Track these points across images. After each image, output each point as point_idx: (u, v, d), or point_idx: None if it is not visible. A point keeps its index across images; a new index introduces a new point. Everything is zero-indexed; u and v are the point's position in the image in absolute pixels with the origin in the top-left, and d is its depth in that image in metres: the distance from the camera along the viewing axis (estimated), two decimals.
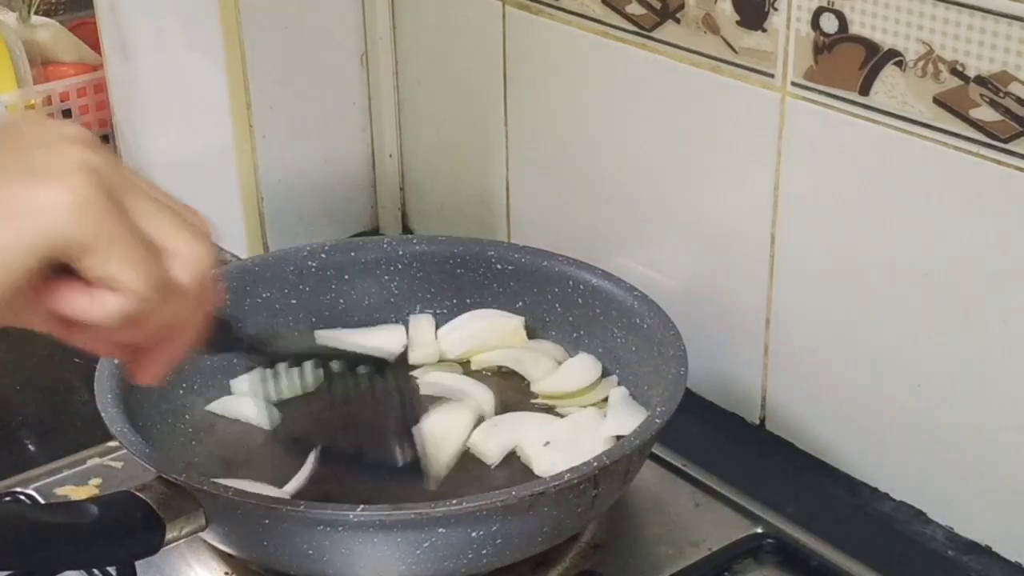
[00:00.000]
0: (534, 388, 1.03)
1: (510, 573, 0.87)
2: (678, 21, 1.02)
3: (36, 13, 1.51)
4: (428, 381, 1.03)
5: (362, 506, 0.86)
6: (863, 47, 0.90)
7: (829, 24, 0.92)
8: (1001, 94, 0.83)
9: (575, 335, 1.05)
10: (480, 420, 0.98)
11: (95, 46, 1.44)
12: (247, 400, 1.00)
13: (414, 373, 1.04)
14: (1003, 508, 0.92)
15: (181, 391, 1.00)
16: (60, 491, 0.98)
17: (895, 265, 0.94)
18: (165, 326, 0.64)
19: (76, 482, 0.98)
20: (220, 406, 1.01)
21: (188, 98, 1.12)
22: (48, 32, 1.50)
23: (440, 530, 0.81)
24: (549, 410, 1.01)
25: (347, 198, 1.37)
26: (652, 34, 1.04)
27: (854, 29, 0.90)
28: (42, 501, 0.96)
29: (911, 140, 0.89)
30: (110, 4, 1.37)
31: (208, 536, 0.84)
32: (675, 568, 0.90)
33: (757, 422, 1.08)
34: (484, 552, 0.83)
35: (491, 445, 0.95)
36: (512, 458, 0.96)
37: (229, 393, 1.02)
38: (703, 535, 0.93)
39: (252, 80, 1.25)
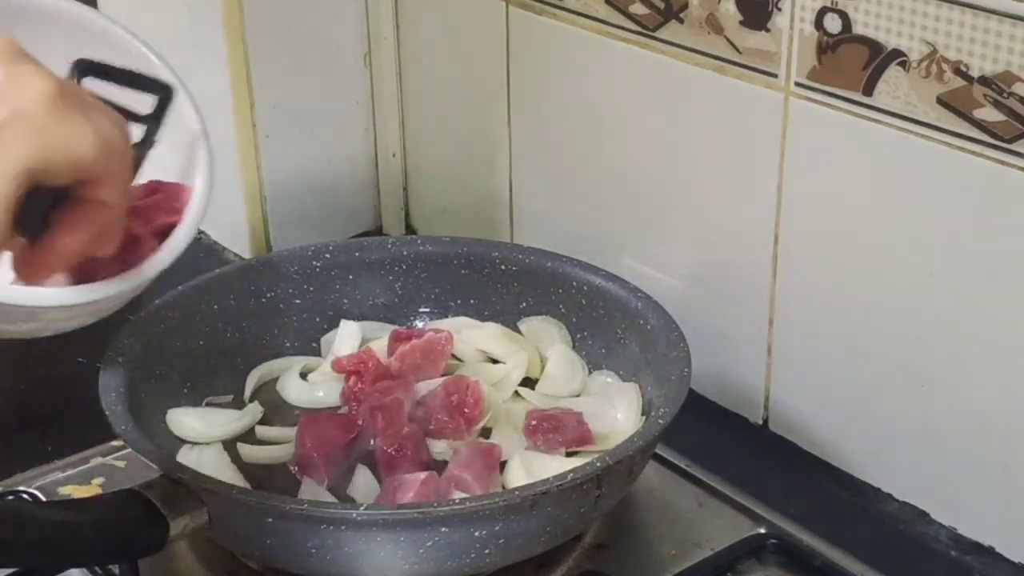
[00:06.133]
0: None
1: (513, 573, 0.87)
2: (681, 21, 1.02)
3: None
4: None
5: (365, 505, 0.87)
6: (867, 47, 0.90)
7: (833, 24, 0.92)
8: (1005, 94, 0.83)
9: (578, 336, 1.05)
10: None
11: None
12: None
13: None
14: (1006, 509, 0.92)
15: (186, 390, 1.00)
16: (63, 490, 0.98)
17: (898, 265, 0.94)
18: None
19: (79, 481, 0.98)
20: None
21: None
22: None
23: (443, 529, 0.81)
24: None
25: (350, 198, 1.37)
26: (655, 34, 1.04)
27: (858, 29, 0.90)
28: (45, 500, 0.96)
29: (914, 140, 0.89)
30: (114, 2, 1.37)
31: (211, 535, 0.84)
32: (678, 568, 0.90)
33: (760, 422, 1.08)
34: (487, 552, 0.83)
35: None
36: None
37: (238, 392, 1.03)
38: (706, 535, 0.93)
39: (255, 79, 1.25)
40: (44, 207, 0.58)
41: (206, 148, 0.86)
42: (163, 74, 0.82)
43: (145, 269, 0.78)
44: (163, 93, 0.77)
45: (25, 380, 1.14)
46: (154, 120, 0.76)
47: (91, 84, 0.71)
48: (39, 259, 0.59)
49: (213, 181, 0.86)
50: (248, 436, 0.99)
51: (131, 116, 0.73)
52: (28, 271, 0.60)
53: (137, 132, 0.73)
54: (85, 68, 0.71)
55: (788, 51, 0.95)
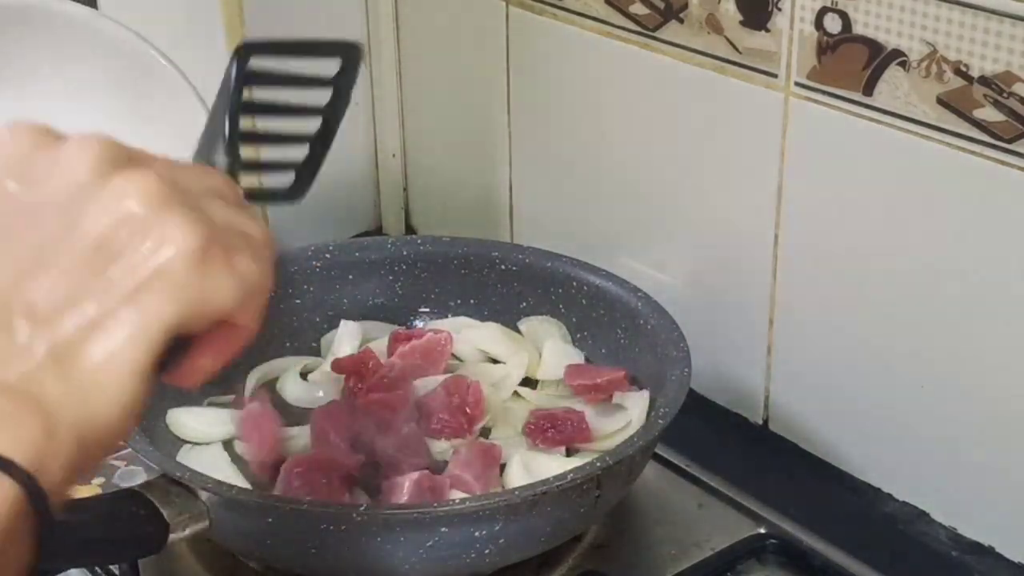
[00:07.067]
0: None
1: (513, 573, 0.87)
2: (681, 21, 1.02)
3: None
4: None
5: (365, 505, 0.86)
6: (867, 47, 0.90)
7: (833, 24, 0.92)
8: (1005, 94, 0.83)
9: (578, 336, 1.05)
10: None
11: None
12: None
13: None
14: (1006, 508, 0.92)
15: (185, 390, 1.00)
16: None
17: (898, 265, 0.94)
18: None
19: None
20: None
21: None
22: None
23: (443, 529, 0.81)
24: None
25: (350, 198, 1.37)
26: (655, 34, 1.04)
27: (858, 29, 0.90)
28: None
29: (914, 140, 0.89)
30: (114, 2, 1.37)
31: (211, 534, 0.84)
32: (678, 569, 0.90)
33: (760, 422, 1.08)
34: (487, 552, 0.83)
35: None
36: None
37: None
38: (706, 536, 0.93)
39: None
40: (179, 339, 0.56)
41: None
42: (344, 37, 0.78)
43: None
44: (347, 53, 0.74)
45: None
46: (342, 82, 0.73)
47: (259, 63, 0.69)
48: (180, 379, 0.58)
49: None
50: None
51: (317, 83, 0.72)
52: (171, 383, 0.58)
53: (325, 96, 0.72)
54: (249, 49, 0.69)
55: (788, 51, 0.95)
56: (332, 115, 0.73)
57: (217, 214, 0.55)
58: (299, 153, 0.73)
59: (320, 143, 0.73)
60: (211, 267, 0.53)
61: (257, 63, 0.69)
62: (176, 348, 0.55)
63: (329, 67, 0.73)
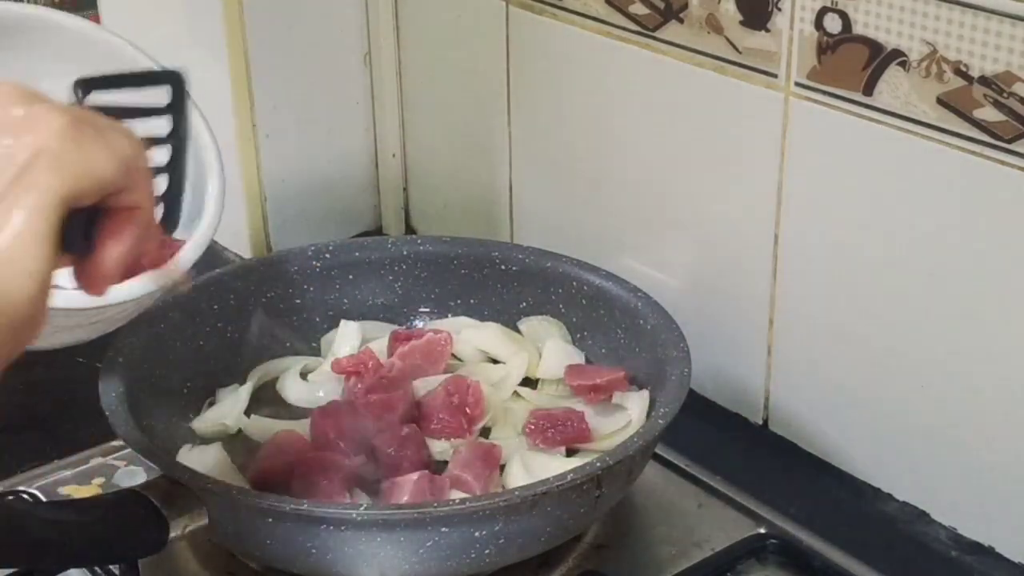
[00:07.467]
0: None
1: (513, 573, 0.87)
2: (681, 21, 1.02)
3: None
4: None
5: (365, 505, 0.86)
6: (867, 47, 0.90)
7: (833, 24, 0.92)
8: (1005, 94, 0.83)
9: (578, 336, 1.05)
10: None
11: None
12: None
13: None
14: (1006, 509, 0.92)
15: (186, 390, 1.00)
16: (63, 490, 0.98)
17: (898, 265, 0.94)
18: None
19: (79, 481, 0.99)
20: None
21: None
22: None
23: (443, 529, 0.81)
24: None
25: (350, 198, 1.37)
26: (655, 34, 1.04)
27: (858, 29, 0.90)
28: (45, 500, 0.96)
29: (914, 140, 0.89)
30: (113, 2, 1.37)
31: (211, 534, 0.84)
32: (678, 568, 0.90)
33: (760, 422, 1.08)
34: (487, 552, 0.83)
35: None
36: None
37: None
38: (706, 535, 0.93)
39: (255, 79, 1.25)
40: (83, 226, 0.63)
41: (217, 158, 0.87)
42: (164, 63, 0.82)
43: (161, 274, 0.79)
44: (173, 80, 0.78)
45: (25, 380, 1.14)
46: (175, 109, 0.77)
47: (98, 98, 0.72)
48: (96, 273, 0.65)
49: (224, 187, 0.88)
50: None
51: (150, 111, 0.75)
52: (90, 285, 0.66)
53: (165, 125, 0.76)
54: (87, 85, 0.73)
55: (788, 51, 0.95)
56: (177, 142, 0.76)
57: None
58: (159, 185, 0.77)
59: (174, 170, 0.77)
60: (84, 138, 0.60)
61: (96, 98, 0.73)
62: (83, 240, 0.63)
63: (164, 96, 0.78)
